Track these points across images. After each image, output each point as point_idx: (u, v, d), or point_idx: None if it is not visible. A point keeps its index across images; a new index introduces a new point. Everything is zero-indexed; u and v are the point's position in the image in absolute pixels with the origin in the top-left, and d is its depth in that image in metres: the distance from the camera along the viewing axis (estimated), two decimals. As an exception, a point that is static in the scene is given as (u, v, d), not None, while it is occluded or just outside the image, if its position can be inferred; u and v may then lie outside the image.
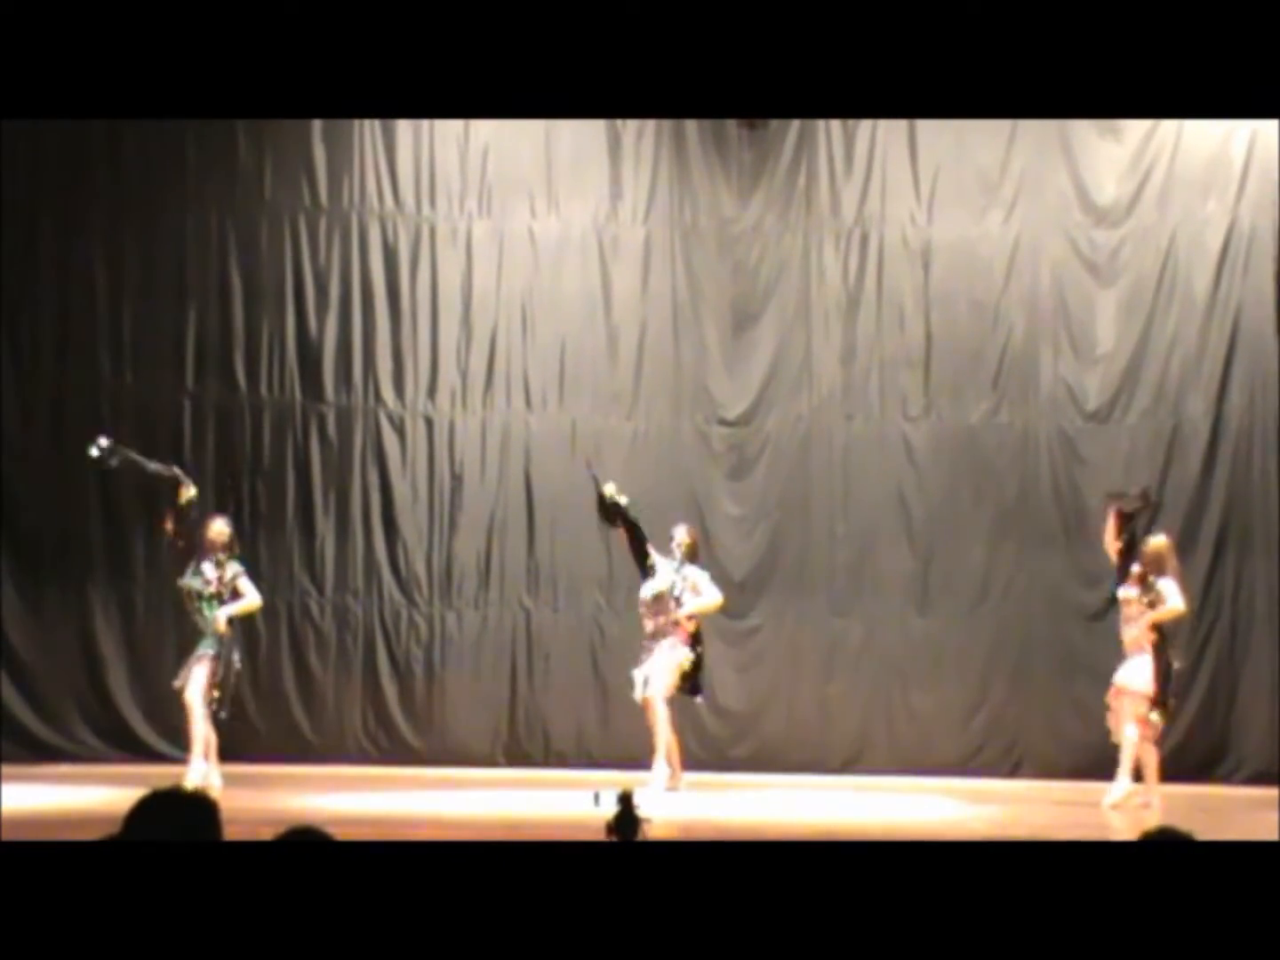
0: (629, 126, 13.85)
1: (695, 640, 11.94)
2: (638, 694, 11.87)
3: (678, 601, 11.86)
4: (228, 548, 11.81)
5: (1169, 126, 13.54)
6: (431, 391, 13.83)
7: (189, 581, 11.74)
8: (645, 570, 11.93)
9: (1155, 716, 11.38)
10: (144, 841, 3.69)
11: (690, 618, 11.87)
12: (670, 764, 11.79)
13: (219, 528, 11.89)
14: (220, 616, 11.70)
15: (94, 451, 11.85)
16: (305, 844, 3.87)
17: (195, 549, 11.78)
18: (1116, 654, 11.80)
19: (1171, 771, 12.66)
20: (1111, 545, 11.66)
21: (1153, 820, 10.59)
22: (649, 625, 11.90)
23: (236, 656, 11.96)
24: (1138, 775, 11.48)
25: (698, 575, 11.98)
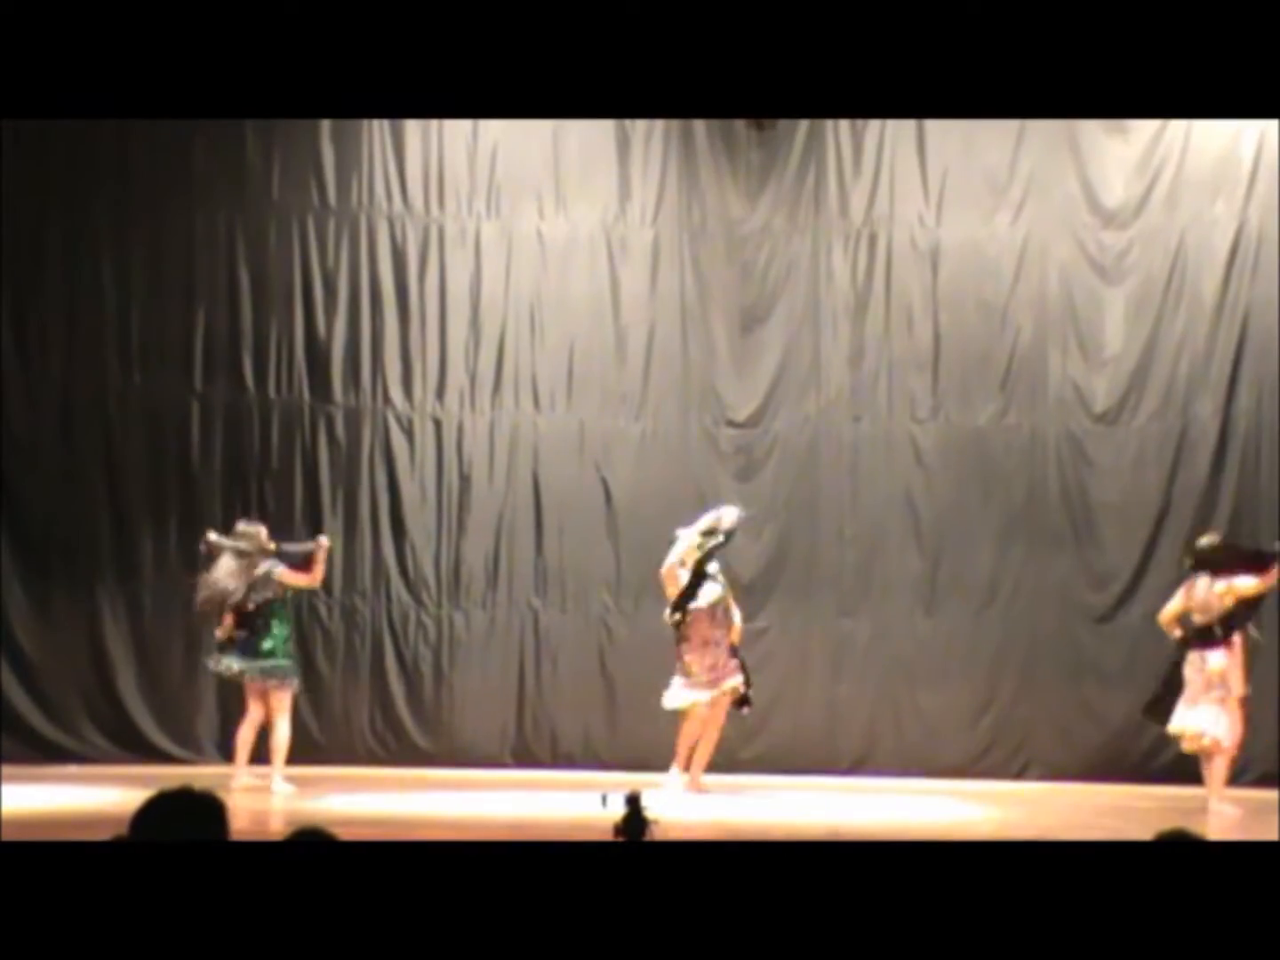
0: (637, 128, 13.84)
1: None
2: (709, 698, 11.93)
3: (725, 613, 12.01)
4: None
5: (1177, 128, 13.52)
6: (440, 392, 13.83)
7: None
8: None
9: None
10: (150, 842, 3.68)
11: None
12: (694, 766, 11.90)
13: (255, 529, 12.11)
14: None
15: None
16: (311, 844, 3.87)
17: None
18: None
19: (1182, 774, 12.69)
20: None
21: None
22: (715, 634, 11.93)
23: None
24: None
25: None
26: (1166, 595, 12.29)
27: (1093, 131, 13.64)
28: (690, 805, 11.23)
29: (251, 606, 11.89)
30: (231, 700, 13.45)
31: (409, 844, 4.02)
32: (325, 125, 13.70)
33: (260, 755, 12.04)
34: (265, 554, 11.98)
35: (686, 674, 11.96)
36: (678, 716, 12.07)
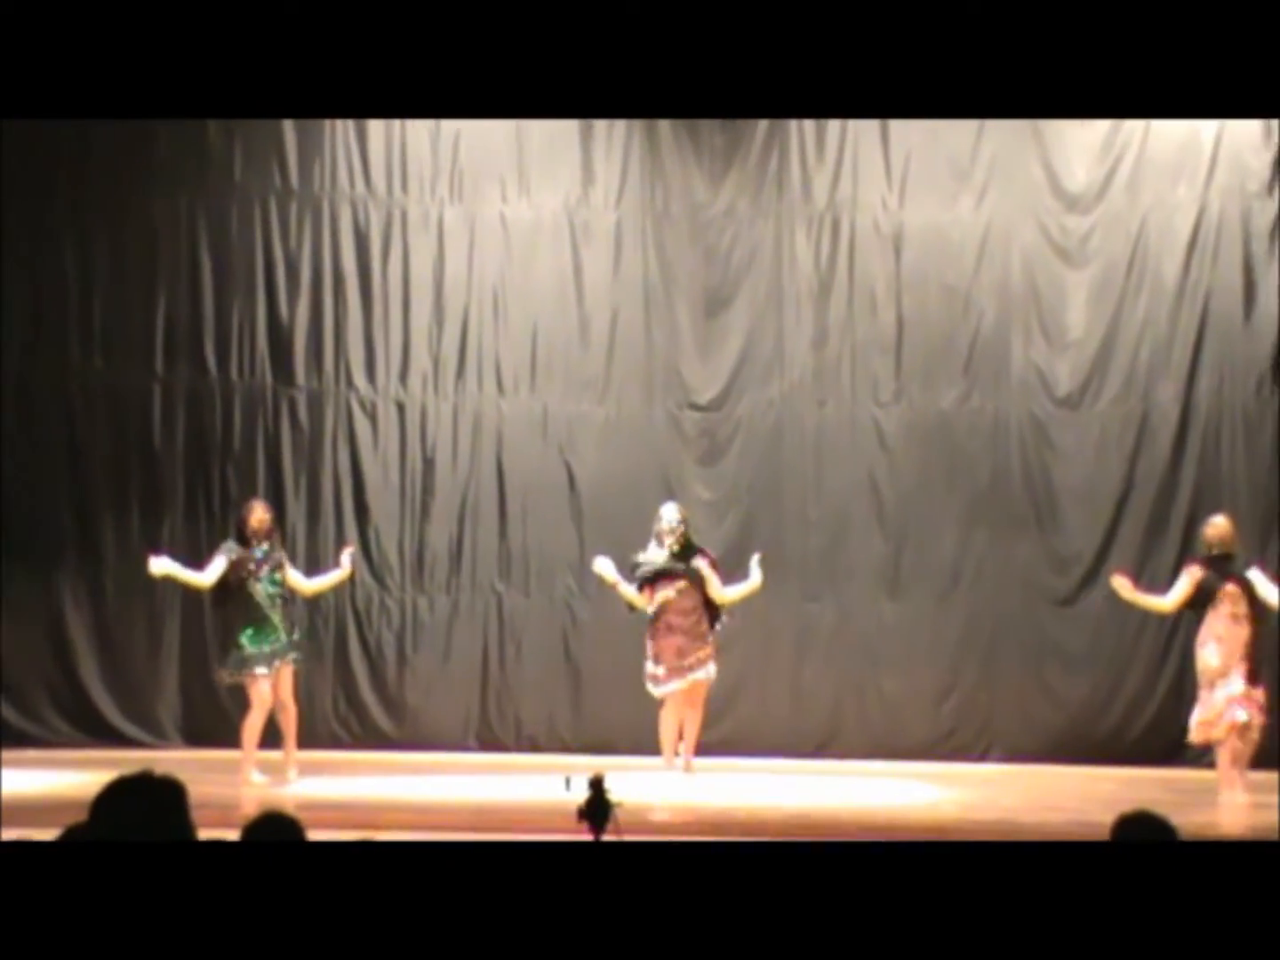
0: (601, 111, 13.83)
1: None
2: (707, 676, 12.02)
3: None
4: (269, 535, 11.69)
5: (1140, 112, 13.56)
6: (403, 376, 13.81)
7: (265, 588, 11.57)
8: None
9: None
10: (106, 841, 3.66)
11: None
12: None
13: (262, 515, 11.69)
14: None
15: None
16: (272, 844, 3.86)
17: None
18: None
19: (1143, 755, 12.78)
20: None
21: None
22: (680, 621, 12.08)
23: None
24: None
25: None
26: (1128, 578, 12.32)
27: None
28: (660, 789, 11.25)
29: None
30: (194, 684, 13.45)
31: (371, 842, 4.00)
32: (287, 108, 13.65)
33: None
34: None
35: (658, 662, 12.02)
36: (657, 704, 12.13)
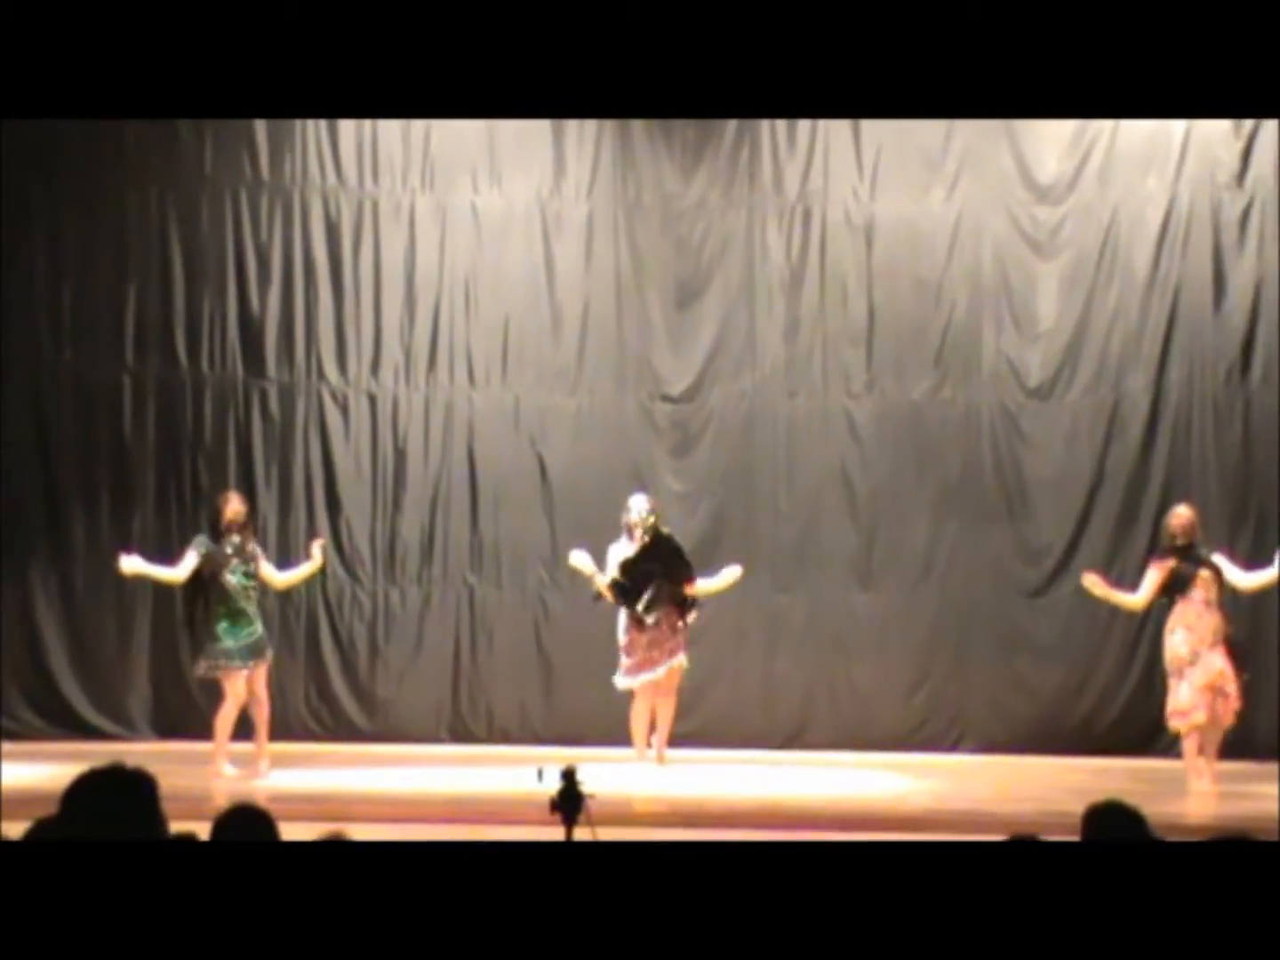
0: (572, 102, 13.80)
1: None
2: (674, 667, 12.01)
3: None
4: (244, 527, 11.59)
5: (1110, 104, 13.58)
6: (374, 367, 13.78)
7: (238, 580, 11.46)
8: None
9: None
10: (76, 838, 3.65)
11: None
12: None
13: (237, 506, 11.60)
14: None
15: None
16: (243, 843, 3.85)
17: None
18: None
19: (1114, 745, 12.83)
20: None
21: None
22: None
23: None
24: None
25: None
26: (1098, 568, 12.34)
27: (1026, 107, 13.68)
28: (632, 780, 11.26)
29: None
30: (164, 676, 13.43)
31: (347, 843, 3.99)
32: (258, 99, 13.60)
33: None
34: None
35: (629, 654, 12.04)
36: (627, 698, 12.13)
